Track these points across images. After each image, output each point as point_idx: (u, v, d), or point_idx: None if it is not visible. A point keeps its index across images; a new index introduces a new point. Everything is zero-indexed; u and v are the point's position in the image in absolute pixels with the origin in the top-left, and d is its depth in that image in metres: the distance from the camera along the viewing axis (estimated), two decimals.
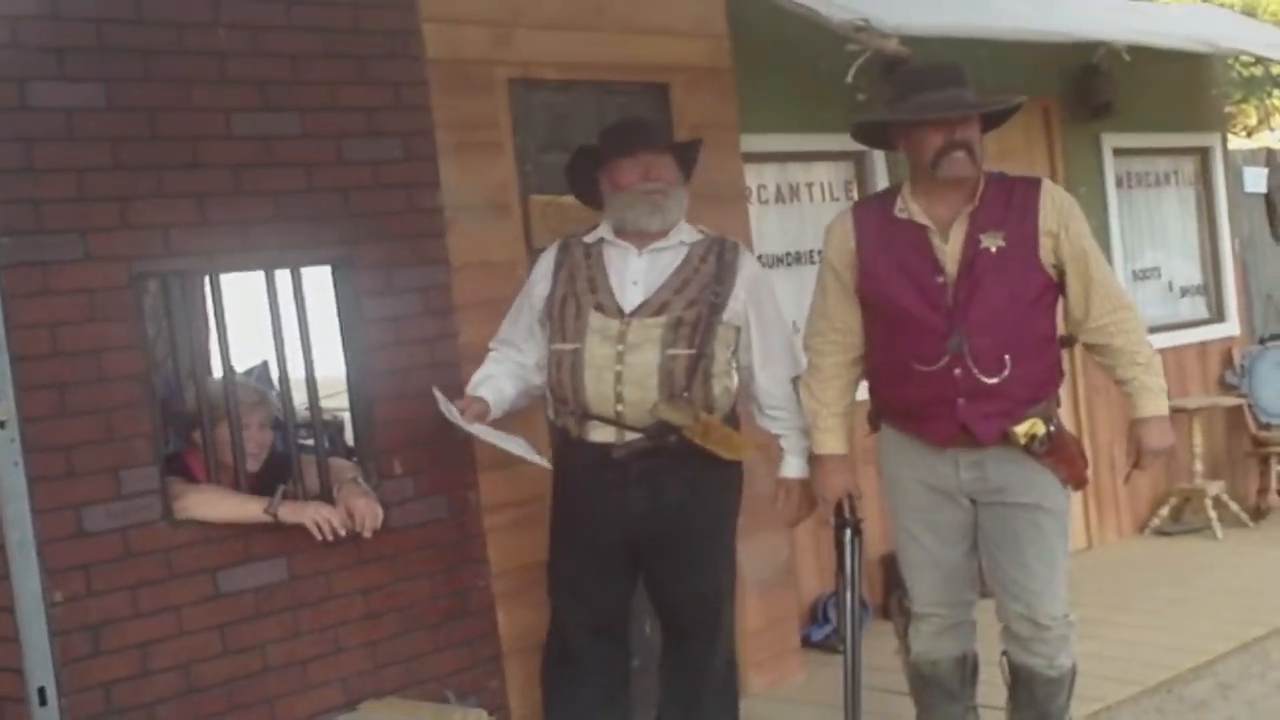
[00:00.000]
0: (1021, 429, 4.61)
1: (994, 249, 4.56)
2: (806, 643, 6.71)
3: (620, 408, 4.78)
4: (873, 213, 4.82)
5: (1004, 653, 4.88)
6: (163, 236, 4.49)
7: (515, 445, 4.89)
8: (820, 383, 4.85)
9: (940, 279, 4.59)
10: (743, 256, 4.97)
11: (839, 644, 5.22)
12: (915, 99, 4.61)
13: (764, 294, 5.00)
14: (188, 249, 4.55)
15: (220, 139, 4.64)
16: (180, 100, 4.56)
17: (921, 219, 4.63)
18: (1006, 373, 4.56)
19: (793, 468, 5.04)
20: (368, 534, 4.76)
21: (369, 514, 4.76)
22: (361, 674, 4.87)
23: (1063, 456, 4.70)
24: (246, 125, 4.70)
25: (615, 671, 5.11)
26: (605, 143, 4.96)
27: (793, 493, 5.06)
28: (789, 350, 5.04)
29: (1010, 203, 4.63)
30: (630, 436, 4.80)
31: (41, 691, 4.19)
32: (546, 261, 4.98)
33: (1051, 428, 4.66)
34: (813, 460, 4.94)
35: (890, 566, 5.89)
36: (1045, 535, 4.71)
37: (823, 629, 6.89)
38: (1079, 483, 4.81)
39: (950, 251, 4.59)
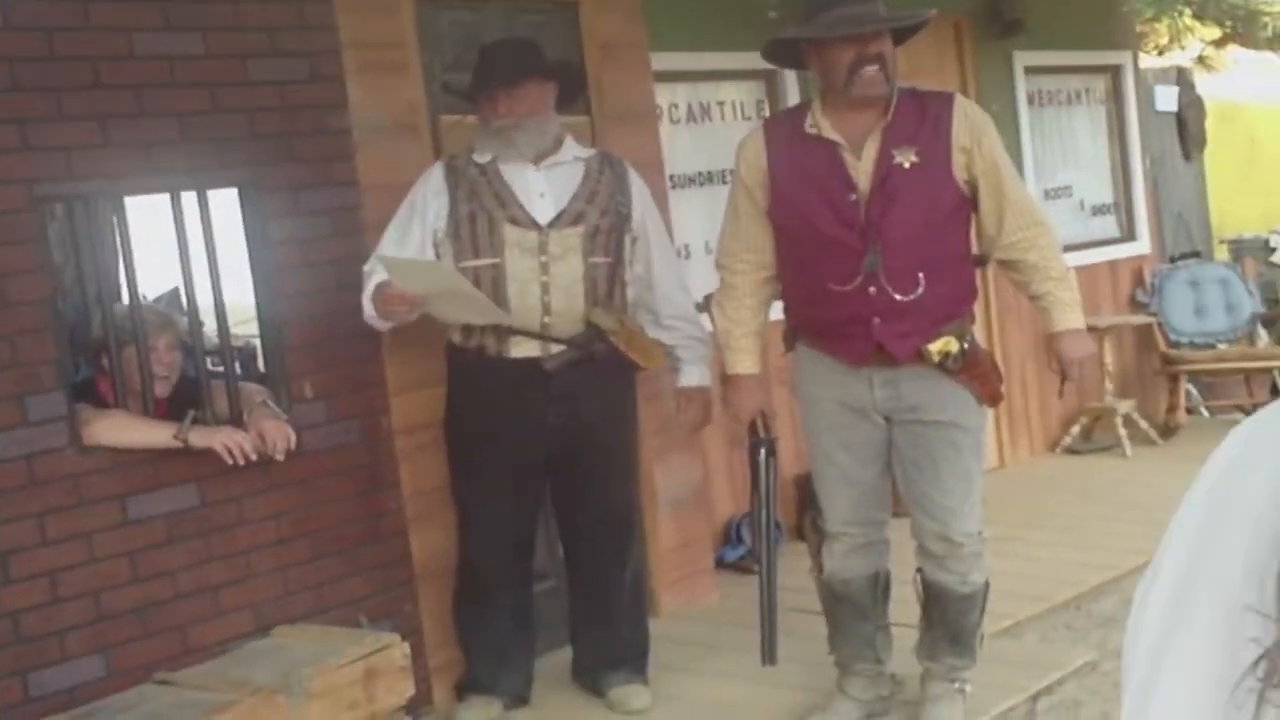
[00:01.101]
0: (935, 346, 4.57)
1: (907, 164, 4.51)
2: (720, 564, 6.73)
3: (547, 319, 4.79)
4: (783, 129, 4.77)
5: (918, 570, 4.89)
6: (65, 159, 4.40)
7: (484, 303, 4.76)
8: (733, 302, 4.83)
9: (853, 196, 4.52)
10: (630, 171, 5.05)
11: (753, 564, 5.22)
12: (825, 15, 4.53)
13: (653, 207, 5.13)
14: (91, 171, 4.47)
15: (122, 59, 4.54)
16: (79, 19, 4.46)
17: (832, 135, 4.55)
18: (920, 290, 4.52)
19: (692, 375, 5.12)
20: (280, 456, 4.72)
21: (280, 436, 4.72)
22: (273, 600, 4.84)
23: (977, 374, 4.67)
24: (149, 44, 4.61)
25: (525, 594, 5.16)
26: (483, 75, 4.92)
27: (694, 400, 5.14)
28: (679, 263, 5.15)
29: (923, 118, 4.58)
30: (556, 349, 4.81)
31: None
32: (434, 179, 4.91)
33: (965, 344, 4.63)
34: (726, 380, 4.93)
35: (804, 487, 5.92)
36: (960, 453, 4.69)
37: (736, 550, 6.90)
38: (994, 400, 4.79)
39: (863, 168, 4.53)
